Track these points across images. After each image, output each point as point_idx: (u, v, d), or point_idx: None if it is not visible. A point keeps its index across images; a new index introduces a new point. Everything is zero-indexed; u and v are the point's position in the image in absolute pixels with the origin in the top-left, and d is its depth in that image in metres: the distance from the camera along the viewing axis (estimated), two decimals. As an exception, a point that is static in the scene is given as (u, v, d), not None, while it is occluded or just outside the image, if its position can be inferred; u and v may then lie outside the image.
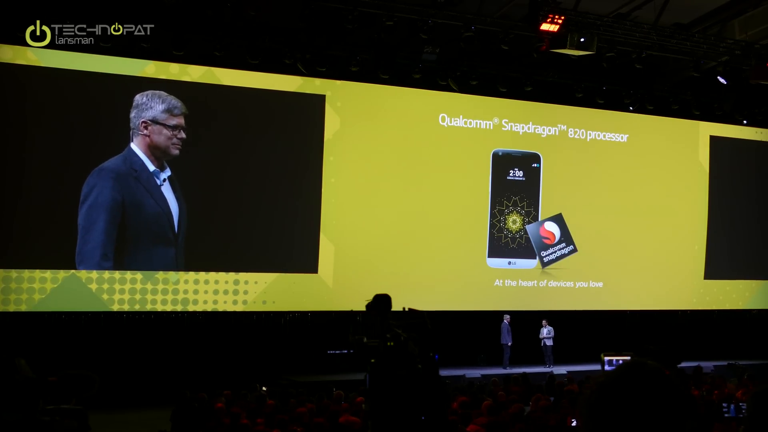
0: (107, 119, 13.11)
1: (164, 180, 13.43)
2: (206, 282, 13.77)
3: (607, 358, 11.93)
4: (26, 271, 12.61)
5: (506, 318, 15.72)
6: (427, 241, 15.38)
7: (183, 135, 13.47)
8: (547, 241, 16.40)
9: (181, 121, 13.49)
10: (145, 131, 13.23)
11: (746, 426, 2.30)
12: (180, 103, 13.46)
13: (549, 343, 15.94)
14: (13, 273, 12.56)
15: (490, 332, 15.82)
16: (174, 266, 13.53)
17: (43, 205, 12.74)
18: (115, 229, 13.00)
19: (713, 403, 8.50)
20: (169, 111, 13.38)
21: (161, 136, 13.34)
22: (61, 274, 12.79)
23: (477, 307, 15.86)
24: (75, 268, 12.84)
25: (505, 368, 15.17)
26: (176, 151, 13.45)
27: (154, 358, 13.15)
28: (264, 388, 11.17)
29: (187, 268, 13.62)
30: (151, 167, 13.30)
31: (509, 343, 15.68)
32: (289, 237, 14.36)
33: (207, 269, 13.76)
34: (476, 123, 15.95)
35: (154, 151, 13.32)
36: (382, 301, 5.41)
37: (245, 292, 14.03)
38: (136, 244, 13.22)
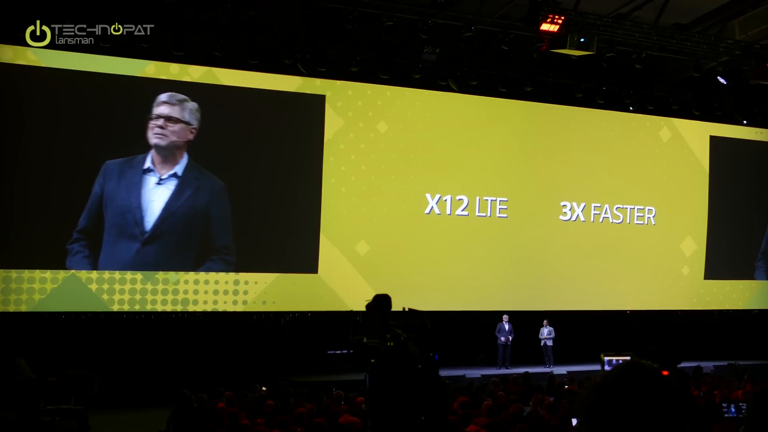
0: (107, 119, 13.11)
1: (161, 179, 13.36)
2: (206, 282, 13.77)
3: (607, 358, 11.89)
4: (26, 271, 12.61)
5: (504, 318, 15.71)
6: (427, 241, 15.38)
7: (161, 122, 13.36)
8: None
9: (161, 109, 13.39)
10: None
11: (746, 426, 2.31)
12: (165, 96, 13.45)
13: (549, 343, 15.95)
14: (13, 273, 12.56)
15: (490, 332, 15.82)
16: (130, 265, 13.14)
17: (43, 205, 12.74)
18: (86, 219, 12.86)
19: (713, 403, 8.50)
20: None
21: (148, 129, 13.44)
22: (61, 274, 12.80)
23: (477, 307, 15.86)
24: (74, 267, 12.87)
25: (507, 368, 15.17)
26: (155, 140, 13.35)
27: (154, 358, 13.15)
28: (264, 388, 11.17)
29: (152, 268, 13.30)
30: (148, 164, 13.29)
31: (502, 341, 15.63)
32: (289, 237, 14.37)
33: (205, 270, 13.75)
34: (477, 123, 15.95)
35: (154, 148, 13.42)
36: (382, 301, 5.40)
37: (245, 292, 14.03)
38: (108, 236, 13.03)
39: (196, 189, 13.65)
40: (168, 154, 13.50)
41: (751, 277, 18.53)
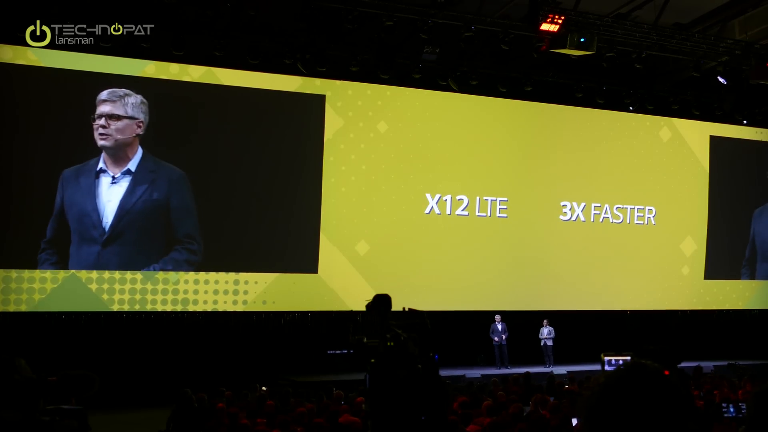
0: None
1: (114, 178, 13.15)
2: (206, 282, 13.77)
3: (607, 358, 11.91)
4: (26, 271, 12.61)
5: (497, 318, 15.69)
6: (427, 241, 15.38)
7: (102, 122, 13.00)
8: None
9: (101, 108, 13.05)
10: None
11: (746, 426, 2.30)
12: (105, 94, 13.14)
13: (549, 343, 15.94)
14: (13, 273, 12.56)
15: (489, 332, 15.82)
16: (93, 265, 12.97)
17: (43, 205, 12.74)
18: (51, 229, 12.74)
19: (713, 403, 8.50)
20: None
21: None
22: (61, 274, 12.79)
23: (477, 307, 15.86)
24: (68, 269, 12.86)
25: (507, 368, 15.16)
26: (101, 141, 13.04)
27: (154, 358, 13.15)
28: (264, 388, 11.17)
29: (116, 267, 13.15)
30: (100, 165, 13.12)
31: (496, 341, 15.61)
32: (289, 237, 14.36)
33: (207, 269, 13.75)
34: (477, 123, 15.94)
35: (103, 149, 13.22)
36: (382, 301, 5.40)
37: (245, 292, 14.03)
38: (72, 242, 12.91)
39: (152, 182, 13.43)
40: (118, 153, 13.22)
41: (751, 277, 18.52)
